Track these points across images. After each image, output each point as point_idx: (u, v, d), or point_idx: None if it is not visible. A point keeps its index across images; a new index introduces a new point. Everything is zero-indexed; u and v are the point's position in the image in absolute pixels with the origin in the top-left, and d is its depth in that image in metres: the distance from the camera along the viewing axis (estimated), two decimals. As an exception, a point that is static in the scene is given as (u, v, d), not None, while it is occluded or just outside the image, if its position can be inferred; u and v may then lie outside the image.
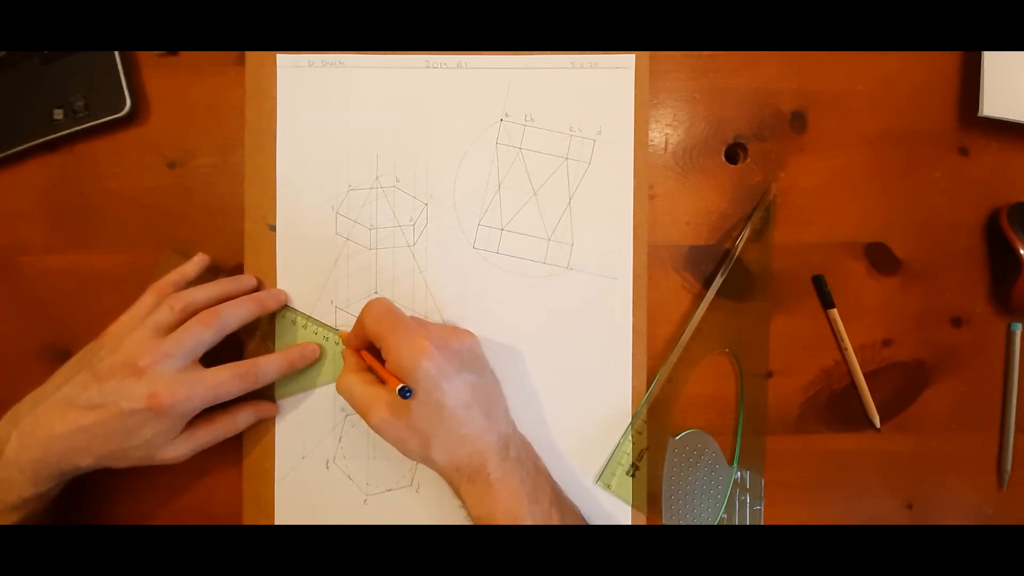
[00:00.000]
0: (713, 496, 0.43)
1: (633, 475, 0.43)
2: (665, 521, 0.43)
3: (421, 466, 0.42)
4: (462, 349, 0.38)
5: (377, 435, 0.37)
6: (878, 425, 0.44)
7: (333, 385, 0.42)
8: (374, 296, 0.43)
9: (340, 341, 0.42)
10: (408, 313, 0.42)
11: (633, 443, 0.43)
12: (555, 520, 0.37)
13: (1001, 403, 0.44)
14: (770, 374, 0.44)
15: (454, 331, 0.39)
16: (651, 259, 0.43)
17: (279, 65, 0.43)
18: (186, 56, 0.43)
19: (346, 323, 0.43)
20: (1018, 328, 0.44)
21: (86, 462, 0.36)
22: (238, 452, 0.42)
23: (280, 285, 0.43)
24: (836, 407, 0.44)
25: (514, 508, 0.36)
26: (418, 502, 0.43)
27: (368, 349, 0.39)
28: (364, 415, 0.37)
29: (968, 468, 0.44)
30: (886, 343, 0.44)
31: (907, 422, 0.44)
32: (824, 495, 0.44)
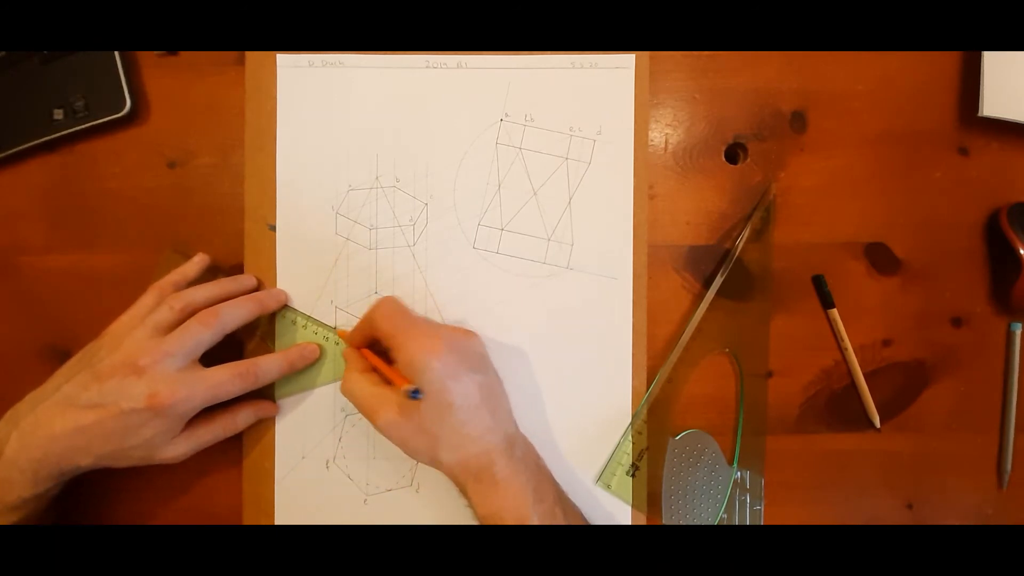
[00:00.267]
0: (713, 496, 0.43)
1: (633, 475, 0.43)
2: (665, 521, 0.43)
3: (421, 466, 0.42)
4: (469, 349, 0.39)
5: (380, 435, 0.37)
6: (878, 425, 0.44)
7: (333, 385, 0.42)
8: (375, 296, 0.43)
9: (340, 341, 0.42)
10: (408, 313, 0.43)
11: (633, 443, 0.43)
12: (559, 519, 0.37)
13: (1001, 403, 0.44)
14: (770, 374, 0.44)
15: (460, 331, 0.40)
16: (651, 259, 0.43)
17: (279, 65, 0.43)
18: (186, 56, 0.43)
19: (346, 323, 0.43)
20: (1018, 328, 0.44)
21: (86, 462, 0.36)
22: (238, 452, 0.42)
23: (280, 285, 0.43)
24: (836, 407, 0.44)
25: (520, 507, 0.36)
26: (418, 502, 0.43)
27: (371, 348, 0.39)
28: (370, 416, 0.37)
29: (968, 468, 0.44)
30: (886, 343, 0.44)
31: (907, 422, 0.44)
32: (824, 495, 0.44)
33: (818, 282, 0.44)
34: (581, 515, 0.40)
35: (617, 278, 0.43)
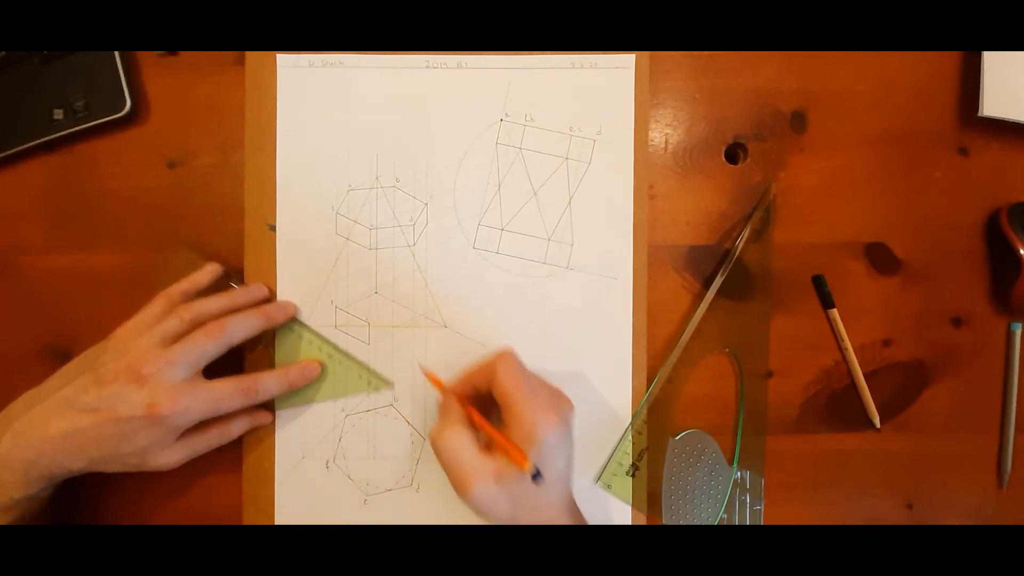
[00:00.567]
0: (713, 496, 0.43)
1: (633, 475, 0.43)
2: (665, 521, 0.43)
3: (421, 466, 0.42)
4: (569, 419, 0.37)
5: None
6: (878, 425, 0.44)
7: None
8: (374, 296, 0.43)
9: (343, 360, 0.42)
10: (408, 314, 0.43)
11: (633, 443, 0.43)
12: (564, 521, 0.37)
13: (1001, 403, 0.44)
14: (770, 374, 0.44)
15: (564, 398, 0.38)
16: (651, 259, 0.43)
17: (279, 65, 0.43)
18: (186, 56, 0.43)
19: (346, 323, 0.43)
20: (1018, 328, 0.44)
21: (78, 465, 0.36)
22: (238, 453, 0.42)
23: (280, 285, 0.42)
24: (836, 407, 0.44)
25: None
26: (418, 502, 0.43)
27: (471, 400, 0.38)
28: (461, 480, 0.35)
29: (968, 468, 0.44)
30: (886, 343, 0.44)
31: (907, 422, 0.44)
32: (824, 495, 0.44)
33: (818, 282, 0.44)
34: (581, 516, 0.40)
35: (617, 278, 0.43)
